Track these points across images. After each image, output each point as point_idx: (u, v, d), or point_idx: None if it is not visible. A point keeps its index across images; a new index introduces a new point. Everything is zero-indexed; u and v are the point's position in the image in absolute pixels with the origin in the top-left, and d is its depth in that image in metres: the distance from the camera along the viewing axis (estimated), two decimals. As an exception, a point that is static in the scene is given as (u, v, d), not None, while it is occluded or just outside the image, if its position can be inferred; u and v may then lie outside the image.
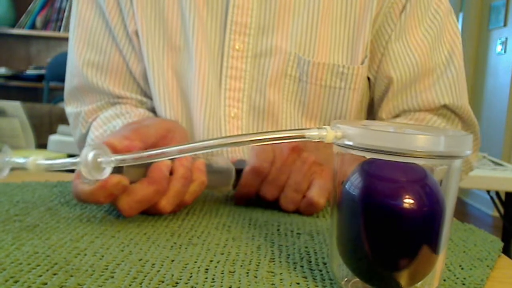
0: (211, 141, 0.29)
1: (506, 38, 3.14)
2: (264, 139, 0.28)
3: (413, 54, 0.60)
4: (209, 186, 0.45)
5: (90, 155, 0.30)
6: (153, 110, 0.65)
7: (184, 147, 0.29)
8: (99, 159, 0.30)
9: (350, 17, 0.60)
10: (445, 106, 0.62)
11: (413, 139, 0.24)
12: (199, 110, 0.60)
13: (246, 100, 0.60)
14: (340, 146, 0.27)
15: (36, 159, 0.33)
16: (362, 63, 0.60)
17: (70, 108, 0.68)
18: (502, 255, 0.37)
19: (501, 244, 0.39)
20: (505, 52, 3.16)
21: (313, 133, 0.27)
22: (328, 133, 0.27)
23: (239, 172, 0.48)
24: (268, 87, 0.60)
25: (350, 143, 0.26)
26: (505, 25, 3.16)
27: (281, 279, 0.29)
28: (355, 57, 0.60)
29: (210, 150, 0.29)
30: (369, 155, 0.25)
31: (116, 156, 0.31)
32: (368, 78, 0.64)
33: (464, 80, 0.63)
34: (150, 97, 0.64)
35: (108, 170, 0.31)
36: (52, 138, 1.48)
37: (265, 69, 0.60)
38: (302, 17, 0.59)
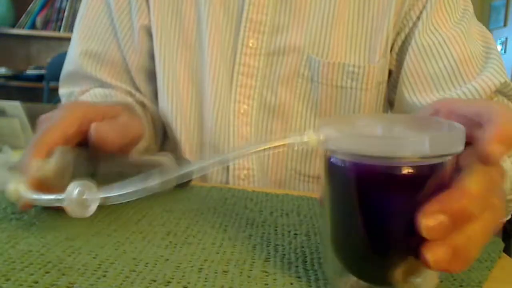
0: (196, 166, 0.29)
1: (506, 38, 3.12)
2: (248, 152, 0.27)
3: (447, 46, 0.57)
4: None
5: (75, 193, 0.30)
6: (141, 104, 0.66)
7: (167, 178, 0.29)
8: (84, 197, 0.30)
9: (367, 16, 0.59)
10: (497, 91, 0.57)
11: (397, 143, 0.24)
12: (209, 105, 0.61)
13: (257, 97, 0.60)
14: (325, 149, 0.27)
15: (20, 189, 0.33)
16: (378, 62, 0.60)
17: (63, 90, 0.69)
18: (504, 254, 0.37)
19: (502, 245, 0.39)
20: (505, 52, 3.13)
21: (294, 139, 0.27)
22: (310, 139, 0.27)
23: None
24: (280, 86, 0.60)
25: (334, 148, 0.25)
26: (505, 25, 3.14)
27: (274, 279, 0.29)
28: (372, 56, 0.59)
29: (194, 176, 0.29)
30: (354, 159, 0.25)
31: (102, 193, 0.30)
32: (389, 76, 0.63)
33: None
34: (140, 91, 0.66)
35: (93, 208, 0.31)
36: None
37: (278, 67, 0.60)
38: (317, 16, 0.59)
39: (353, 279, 0.27)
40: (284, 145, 0.27)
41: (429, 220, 0.23)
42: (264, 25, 0.59)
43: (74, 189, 0.30)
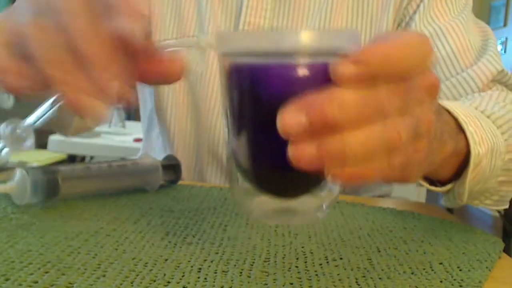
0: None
1: (506, 38, 3.13)
2: None
3: (445, 36, 0.57)
4: (138, 186, 0.48)
5: (8, 130, 0.30)
6: None
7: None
8: (18, 131, 0.30)
9: (366, 17, 0.59)
10: (494, 80, 0.55)
11: (287, 36, 0.23)
12: (207, 107, 0.61)
13: None
14: (221, 56, 0.26)
15: None
16: None
17: None
18: (504, 255, 0.37)
19: (502, 245, 0.39)
20: (505, 52, 3.14)
21: (188, 40, 0.26)
22: (202, 41, 0.26)
23: (166, 167, 0.50)
24: None
25: (225, 49, 0.25)
26: (505, 25, 3.14)
27: (274, 279, 0.28)
28: None
29: None
30: (241, 61, 0.24)
31: (28, 122, 0.30)
32: None
33: None
34: None
35: (31, 141, 0.31)
36: (52, 138, 1.48)
37: None
38: (315, 19, 0.59)
39: (260, 197, 0.27)
40: (176, 45, 0.26)
41: (286, 117, 0.21)
42: (262, 29, 0.59)
43: (5, 127, 0.30)
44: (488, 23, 3.38)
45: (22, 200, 0.41)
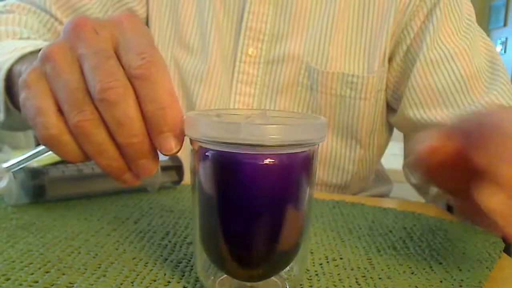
0: None
1: (506, 38, 3.13)
2: None
3: (454, 60, 0.56)
4: (137, 186, 0.48)
5: None
6: None
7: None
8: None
9: (366, 26, 0.59)
10: None
11: (254, 129, 0.23)
12: (203, 107, 0.61)
13: (256, 106, 0.61)
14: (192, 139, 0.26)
15: None
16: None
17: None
18: (504, 255, 0.37)
19: (502, 245, 0.39)
20: (505, 52, 3.14)
21: None
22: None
23: (169, 168, 0.51)
24: (279, 94, 0.60)
25: (192, 134, 0.25)
26: (505, 25, 3.15)
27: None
28: (371, 66, 0.59)
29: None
30: (206, 146, 0.24)
31: (4, 166, 0.31)
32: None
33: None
34: None
35: (4, 181, 0.31)
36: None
37: (277, 76, 0.60)
38: (316, 25, 0.59)
39: (222, 275, 0.27)
40: None
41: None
42: (264, 34, 0.59)
43: None
44: (488, 23, 3.40)
45: (10, 201, 0.41)
